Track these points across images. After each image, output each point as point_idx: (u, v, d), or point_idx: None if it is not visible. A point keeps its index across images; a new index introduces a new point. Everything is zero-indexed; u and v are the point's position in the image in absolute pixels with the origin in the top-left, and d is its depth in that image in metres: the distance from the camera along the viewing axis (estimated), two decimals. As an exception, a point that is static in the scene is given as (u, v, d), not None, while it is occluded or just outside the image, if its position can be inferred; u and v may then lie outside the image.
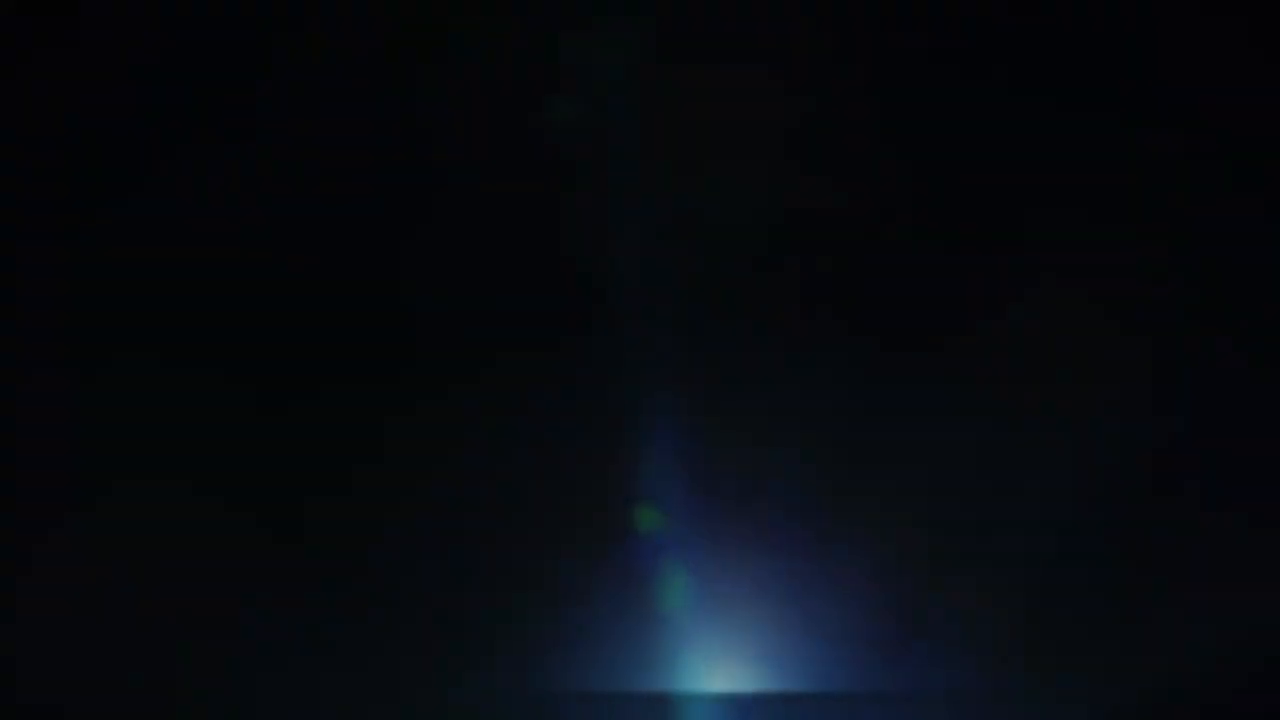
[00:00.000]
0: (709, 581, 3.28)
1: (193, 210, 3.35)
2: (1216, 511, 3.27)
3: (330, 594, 3.26)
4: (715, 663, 3.27)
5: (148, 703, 3.21)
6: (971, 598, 3.26)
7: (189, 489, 3.27)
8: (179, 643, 3.22)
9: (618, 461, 3.30)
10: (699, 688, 3.26)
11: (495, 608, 3.27)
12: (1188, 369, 3.31)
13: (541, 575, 3.28)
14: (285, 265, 3.34)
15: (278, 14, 3.39)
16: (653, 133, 3.37)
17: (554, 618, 3.27)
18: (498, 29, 3.40)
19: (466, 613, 3.27)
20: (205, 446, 3.29)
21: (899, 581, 3.28)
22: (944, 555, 3.28)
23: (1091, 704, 3.20)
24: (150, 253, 3.35)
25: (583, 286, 3.35)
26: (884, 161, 3.39)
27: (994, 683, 3.22)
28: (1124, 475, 3.28)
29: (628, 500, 3.28)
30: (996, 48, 3.40)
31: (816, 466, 3.31)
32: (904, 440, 3.31)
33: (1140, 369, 3.32)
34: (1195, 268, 3.35)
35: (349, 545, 3.28)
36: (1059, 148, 3.38)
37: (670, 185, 3.37)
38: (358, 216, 3.38)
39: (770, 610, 3.29)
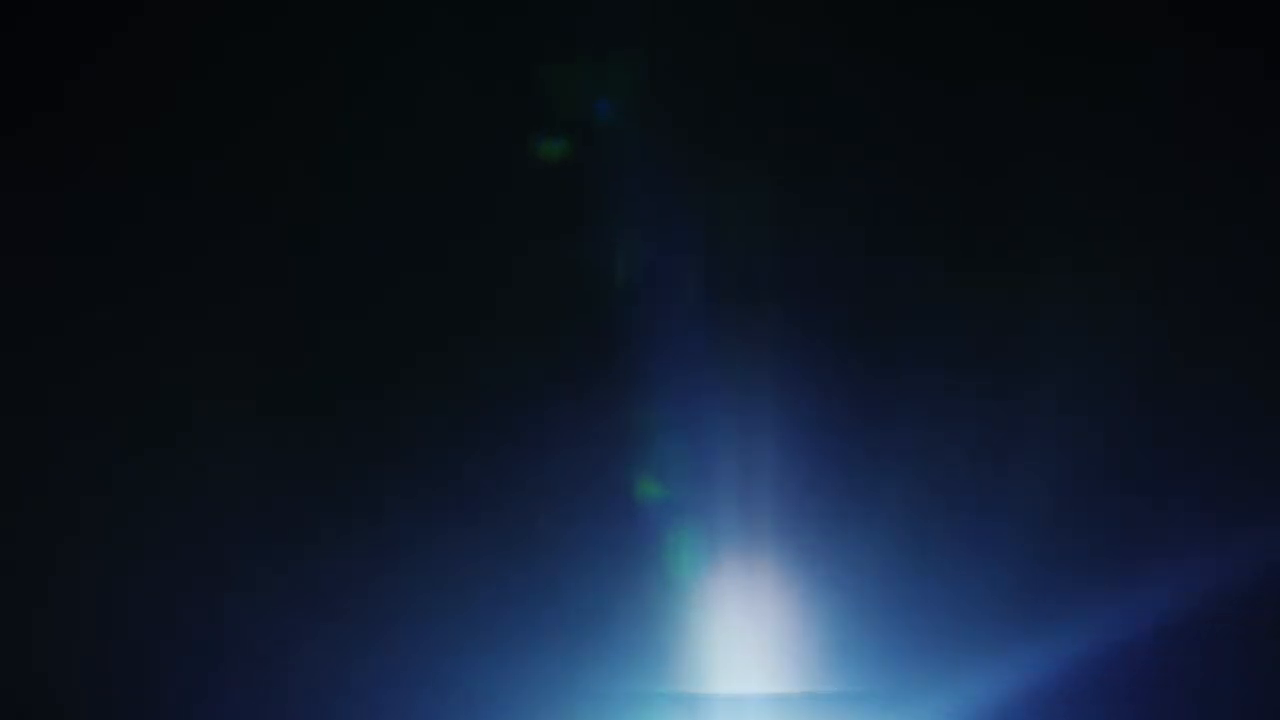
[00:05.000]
0: (712, 582, 3.30)
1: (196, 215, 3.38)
2: (1209, 512, 3.28)
3: (337, 591, 3.28)
4: (716, 663, 3.29)
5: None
6: (968, 598, 3.27)
7: (198, 493, 3.29)
8: (183, 646, 3.25)
9: (623, 459, 3.32)
10: (700, 688, 3.28)
11: (499, 608, 3.29)
12: (1181, 375, 3.33)
13: (544, 576, 3.30)
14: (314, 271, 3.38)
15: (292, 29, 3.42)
16: (654, 136, 3.39)
17: (554, 618, 3.29)
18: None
19: (471, 613, 3.29)
20: (220, 450, 3.31)
21: (897, 582, 3.29)
22: (941, 556, 3.29)
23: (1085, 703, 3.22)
24: (154, 254, 3.37)
25: (591, 291, 3.37)
26: (885, 165, 3.40)
27: (989, 682, 3.23)
28: (1120, 475, 3.30)
29: (634, 497, 3.31)
30: (996, 49, 3.41)
31: (814, 466, 3.32)
32: (902, 441, 3.33)
33: (1133, 372, 3.33)
34: (1191, 268, 3.36)
35: (357, 545, 3.30)
36: (1057, 151, 3.39)
37: (672, 188, 3.38)
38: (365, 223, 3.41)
39: (770, 611, 3.31)
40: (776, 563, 3.30)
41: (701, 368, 3.32)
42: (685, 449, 3.32)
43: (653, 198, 3.35)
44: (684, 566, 3.29)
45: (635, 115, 3.39)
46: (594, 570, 3.29)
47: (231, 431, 3.30)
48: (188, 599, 3.24)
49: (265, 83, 3.41)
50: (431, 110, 3.41)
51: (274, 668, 3.22)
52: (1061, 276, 3.37)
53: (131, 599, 3.25)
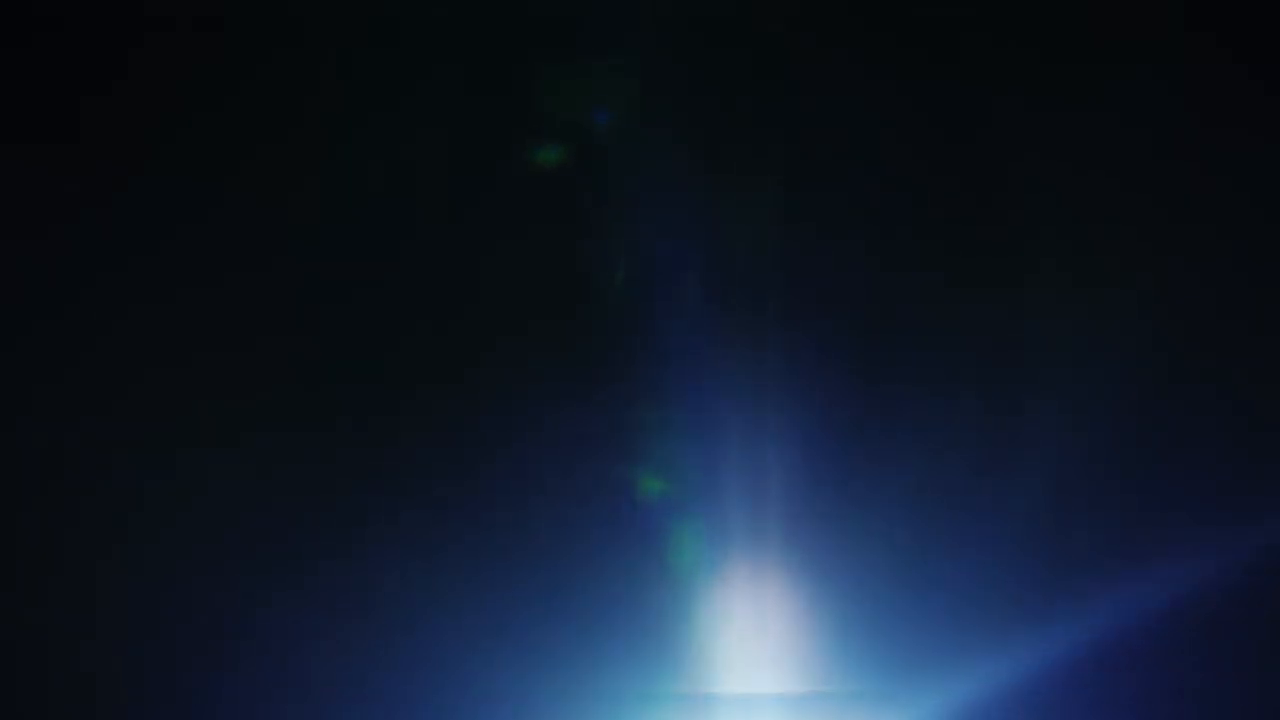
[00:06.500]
0: (715, 583, 3.32)
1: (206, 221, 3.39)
2: (1208, 514, 3.31)
3: (348, 593, 3.29)
4: (720, 663, 3.31)
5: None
6: (969, 599, 3.30)
7: (207, 498, 3.30)
8: (197, 648, 3.26)
9: (629, 461, 3.34)
10: (703, 687, 3.30)
11: (507, 608, 3.30)
12: (1179, 381, 3.36)
13: (549, 576, 3.31)
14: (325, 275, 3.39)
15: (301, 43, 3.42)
16: (658, 141, 3.40)
17: (560, 618, 3.30)
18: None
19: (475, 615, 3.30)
20: (229, 454, 3.32)
21: (898, 583, 3.32)
22: (942, 557, 3.32)
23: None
24: (161, 257, 3.37)
25: (596, 296, 3.39)
26: (888, 172, 3.42)
27: (989, 682, 3.26)
28: (1119, 478, 3.33)
29: (639, 499, 3.32)
30: (997, 61, 3.43)
31: (816, 469, 3.34)
32: (902, 445, 3.35)
33: (1131, 378, 3.36)
34: (1189, 276, 3.39)
35: (367, 547, 3.31)
36: (1058, 163, 3.41)
37: (676, 192, 3.39)
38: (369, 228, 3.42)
39: (773, 611, 3.33)
40: (779, 564, 3.32)
41: (706, 371, 3.34)
42: (689, 452, 3.33)
43: (657, 202, 3.36)
44: (688, 567, 3.31)
45: (640, 119, 3.40)
46: (599, 571, 3.30)
47: (240, 436, 3.31)
48: (201, 602, 3.25)
49: (266, 86, 3.41)
50: (435, 113, 3.42)
51: (287, 668, 3.23)
52: (1061, 282, 3.40)
53: (147, 601, 3.26)
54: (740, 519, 3.31)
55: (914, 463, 3.34)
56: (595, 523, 3.32)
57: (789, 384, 3.36)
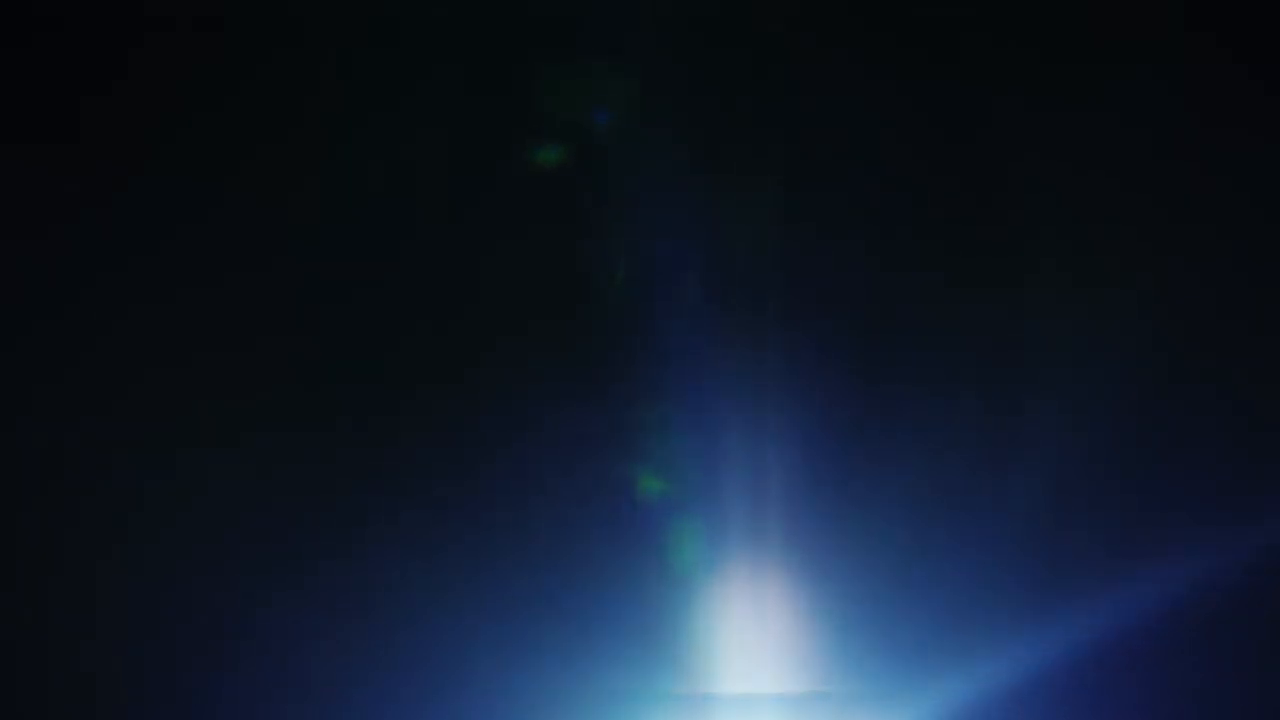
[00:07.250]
0: (714, 582, 3.32)
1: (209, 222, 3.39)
2: (1208, 514, 3.32)
3: (349, 593, 3.29)
4: (719, 662, 3.32)
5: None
6: (969, 598, 3.30)
7: (208, 498, 3.30)
8: (197, 647, 3.27)
9: (629, 461, 3.34)
10: (702, 687, 3.30)
11: (506, 608, 3.30)
12: (1178, 381, 3.36)
13: (549, 575, 3.32)
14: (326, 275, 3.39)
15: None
16: (659, 141, 3.41)
17: (559, 618, 3.30)
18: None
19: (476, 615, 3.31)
20: (230, 454, 3.32)
21: (898, 582, 3.32)
22: (942, 557, 3.32)
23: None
24: (163, 258, 3.38)
25: (597, 296, 3.39)
26: (888, 173, 3.42)
27: (988, 681, 3.26)
28: (1119, 478, 3.33)
29: (639, 499, 3.33)
30: (998, 62, 3.43)
31: (816, 469, 3.35)
32: (902, 445, 3.35)
33: (1130, 378, 3.36)
34: (1188, 277, 3.39)
35: (367, 547, 3.31)
36: (1058, 163, 3.41)
37: (677, 192, 3.40)
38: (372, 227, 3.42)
39: (773, 611, 3.33)
40: (779, 564, 3.32)
41: (706, 371, 3.34)
42: (689, 452, 3.34)
43: (657, 202, 3.37)
44: (688, 567, 3.31)
45: (640, 119, 3.41)
46: (599, 571, 3.31)
47: (240, 436, 3.31)
48: (201, 602, 3.25)
49: (266, 86, 3.41)
50: (435, 113, 3.42)
51: (287, 668, 3.24)
52: (1061, 282, 3.40)
53: (147, 601, 3.26)
54: (740, 519, 3.32)
55: (914, 463, 3.34)
56: (595, 523, 3.33)
57: (789, 384, 3.37)
